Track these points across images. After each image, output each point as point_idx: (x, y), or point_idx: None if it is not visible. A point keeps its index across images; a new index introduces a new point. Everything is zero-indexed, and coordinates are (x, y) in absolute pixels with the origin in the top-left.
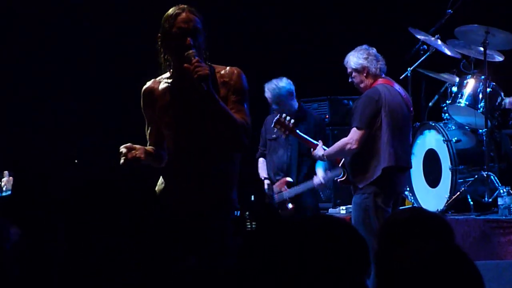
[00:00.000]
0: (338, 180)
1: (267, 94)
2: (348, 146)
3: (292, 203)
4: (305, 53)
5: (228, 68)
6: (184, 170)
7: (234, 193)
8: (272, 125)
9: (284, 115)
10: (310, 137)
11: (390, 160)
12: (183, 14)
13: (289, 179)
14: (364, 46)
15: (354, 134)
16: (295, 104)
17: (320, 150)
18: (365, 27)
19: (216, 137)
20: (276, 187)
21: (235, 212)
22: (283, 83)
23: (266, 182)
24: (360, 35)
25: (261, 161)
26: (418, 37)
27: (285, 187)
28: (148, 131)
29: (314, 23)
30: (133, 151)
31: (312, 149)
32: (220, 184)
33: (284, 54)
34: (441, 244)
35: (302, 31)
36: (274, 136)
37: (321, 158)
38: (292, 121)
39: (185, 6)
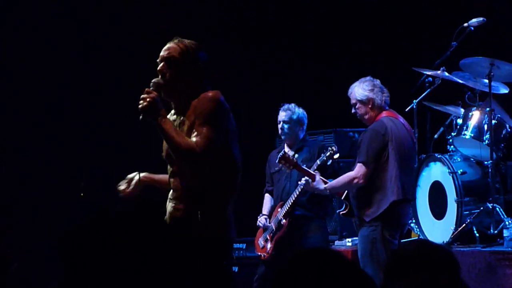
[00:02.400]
0: (341, 213)
1: (281, 112)
2: (355, 181)
3: (285, 218)
4: (310, 85)
5: (205, 93)
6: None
7: (207, 215)
8: (277, 161)
9: (287, 150)
10: (314, 162)
11: (398, 194)
12: (167, 44)
13: (281, 203)
14: (369, 78)
15: (361, 168)
16: (301, 134)
17: (320, 183)
18: (370, 59)
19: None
20: (273, 216)
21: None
22: (299, 109)
23: (263, 217)
24: (366, 66)
25: (266, 197)
26: (424, 72)
27: (279, 209)
28: None
29: (320, 56)
30: (125, 189)
31: (310, 181)
32: (188, 202)
33: (290, 86)
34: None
35: (308, 64)
36: (277, 168)
37: (321, 191)
38: (296, 155)
39: (177, 38)
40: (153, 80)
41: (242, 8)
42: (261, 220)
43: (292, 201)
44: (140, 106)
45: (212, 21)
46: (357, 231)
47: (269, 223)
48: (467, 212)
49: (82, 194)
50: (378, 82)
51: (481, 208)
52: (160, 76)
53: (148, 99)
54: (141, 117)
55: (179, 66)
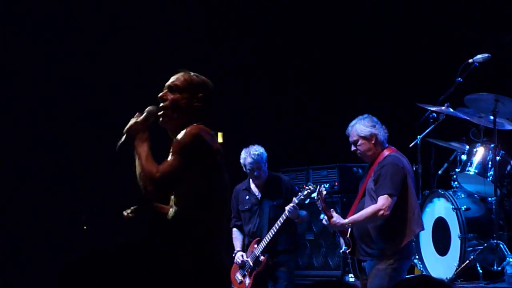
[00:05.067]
0: (347, 251)
1: (247, 159)
2: (381, 212)
3: (263, 255)
4: (314, 121)
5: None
6: None
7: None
8: (316, 197)
9: (324, 190)
10: (283, 198)
11: (421, 225)
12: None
13: (257, 239)
14: (367, 115)
15: (386, 201)
16: (266, 170)
17: (339, 218)
18: (374, 94)
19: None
20: (248, 252)
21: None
22: (262, 149)
23: (239, 254)
24: (370, 102)
25: (235, 232)
26: (428, 108)
27: (255, 245)
28: None
29: (323, 92)
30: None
31: (325, 219)
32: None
33: (293, 122)
34: None
35: (310, 100)
36: (247, 207)
37: (342, 226)
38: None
39: (184, 70)
40: (148, 108)
41: (242, 47)
42: (239, 257)
43: (270, 237)
44: (131, 123)
45: (212, 62)
46: (363, 265)
47: (246, 258)
48: (471, 249)
49: (84, 227)
50: (376, 119)
51: (485, 244)
52: (160, 103)
53: (131, 124)
54: (123, 138)
55: (180, 94)
